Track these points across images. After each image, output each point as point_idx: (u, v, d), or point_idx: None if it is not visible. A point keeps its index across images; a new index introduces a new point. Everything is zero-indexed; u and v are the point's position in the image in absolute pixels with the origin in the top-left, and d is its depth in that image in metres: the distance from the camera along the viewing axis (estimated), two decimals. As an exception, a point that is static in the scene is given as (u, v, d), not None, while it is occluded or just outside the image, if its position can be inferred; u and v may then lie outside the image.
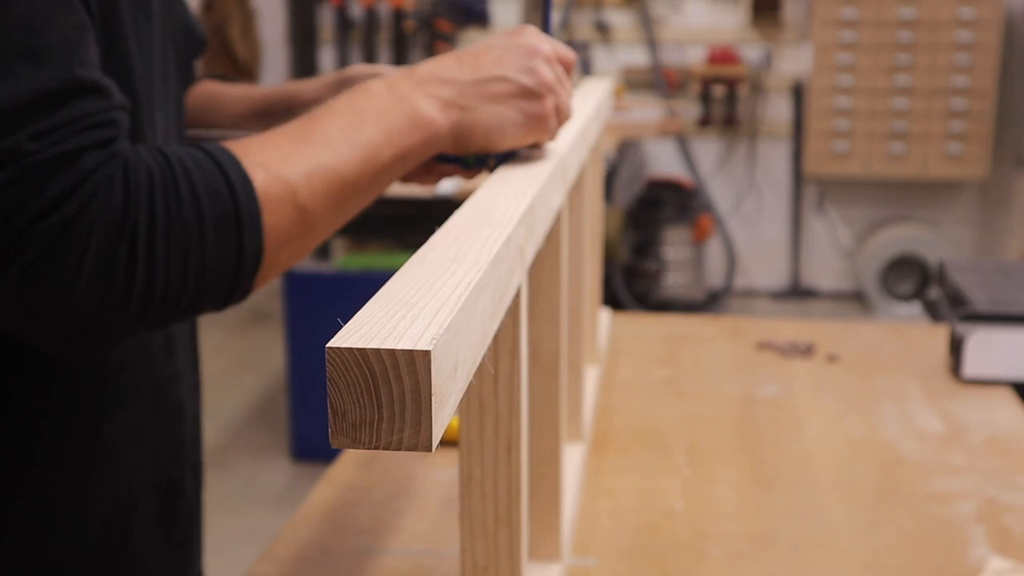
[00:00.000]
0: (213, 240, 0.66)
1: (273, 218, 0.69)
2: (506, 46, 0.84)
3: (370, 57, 5.17)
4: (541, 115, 0.83)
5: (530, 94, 0.82)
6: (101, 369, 0.80)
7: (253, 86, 1.06)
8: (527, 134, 0.84)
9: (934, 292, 1.91)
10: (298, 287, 3.36)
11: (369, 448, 0.47)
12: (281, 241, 0.70)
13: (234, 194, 0.67)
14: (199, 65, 1.04)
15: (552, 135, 0.87)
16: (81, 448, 0.79)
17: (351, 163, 0.74)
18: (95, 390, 0.80)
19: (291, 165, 0.71)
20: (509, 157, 0.87)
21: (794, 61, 5.14)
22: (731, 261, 5.21)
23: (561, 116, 0.87)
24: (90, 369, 0.79)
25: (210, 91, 1.04)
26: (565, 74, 0.87)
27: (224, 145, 0.69)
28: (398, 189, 0.95)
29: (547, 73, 0.83)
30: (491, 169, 0.88)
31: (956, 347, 1.46)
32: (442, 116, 0.80)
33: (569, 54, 0.90)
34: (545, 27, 0.95)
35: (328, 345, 0.46)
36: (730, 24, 5.16)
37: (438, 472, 1.20)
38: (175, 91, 0.90)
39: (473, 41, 5.18)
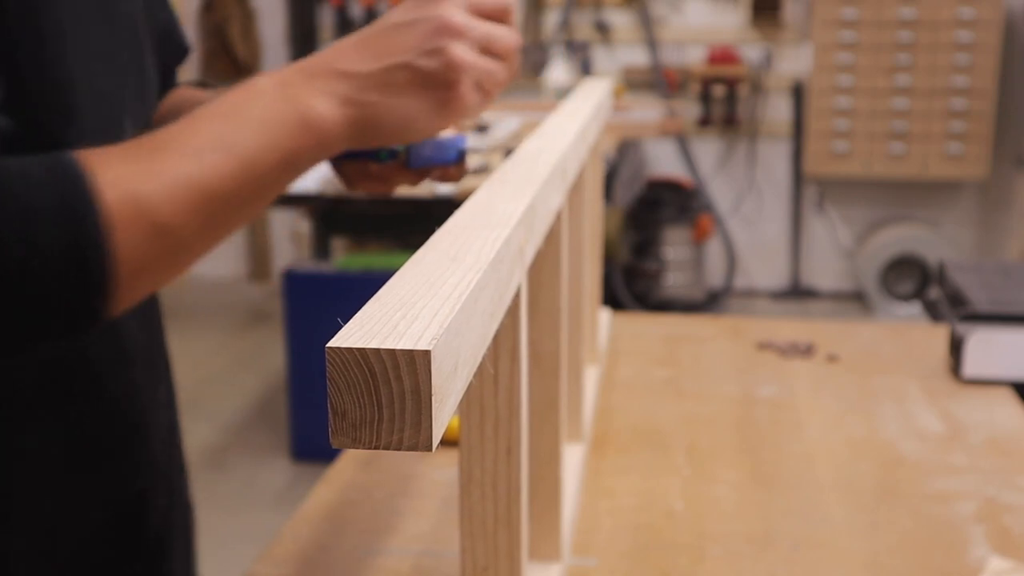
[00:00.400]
0: (48, 269, 0.61)
1: (127, 240, 0.63)
2: (412, 20, 0.75)
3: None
4: (454, 100, 0.75)
5: (438, 80, 0.74)
6: (33, 383, 0.77)
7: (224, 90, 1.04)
8: (442, 122, 0.76)
9: (934, 292, 1.91)
10: (298, 287, 3.36)
11: (369, 448, 0.47)
12: (139, 265, 0.65)
13: (76, 217, 0.62)
14: (195, 68, 1.01)
15: (481, 109, 0.79)
16: (20, 465, 0.76)
17: (225, 174, 0.68)
18: (31, 403, 0.77)
19: (151, 181, 0.65)
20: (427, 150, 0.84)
21: (794, 61, 5.14)
22: (731, 261, 5.22)
23: (489, 88, 0.77)
24: (23, 382, 0.76)
25: (183, 96, 1.00)
26: (496, 30, 0.77)
27: (80, 158, 0.64)
28: (398, 188, 0.94)
29: (457, 52, 0.74)
30: (407, 164, 0.85)
31: (956, 347, 1.46)
32: (338, 114, 0.73)
33: (496, 3, 0.79)
34: None
35: (328, 345, 0.46)
36: (730, 24, 5.16)
37: (438, 472, 1.20)
38: (153, 99, 0.87)
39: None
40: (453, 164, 0.86)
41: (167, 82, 0.98)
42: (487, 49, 0.77)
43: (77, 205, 0.62)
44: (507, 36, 0.78)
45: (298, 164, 0.72)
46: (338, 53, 0.75)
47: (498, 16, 0.79)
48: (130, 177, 0.65)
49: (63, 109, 0.72)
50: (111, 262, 0.63)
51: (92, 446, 0.82)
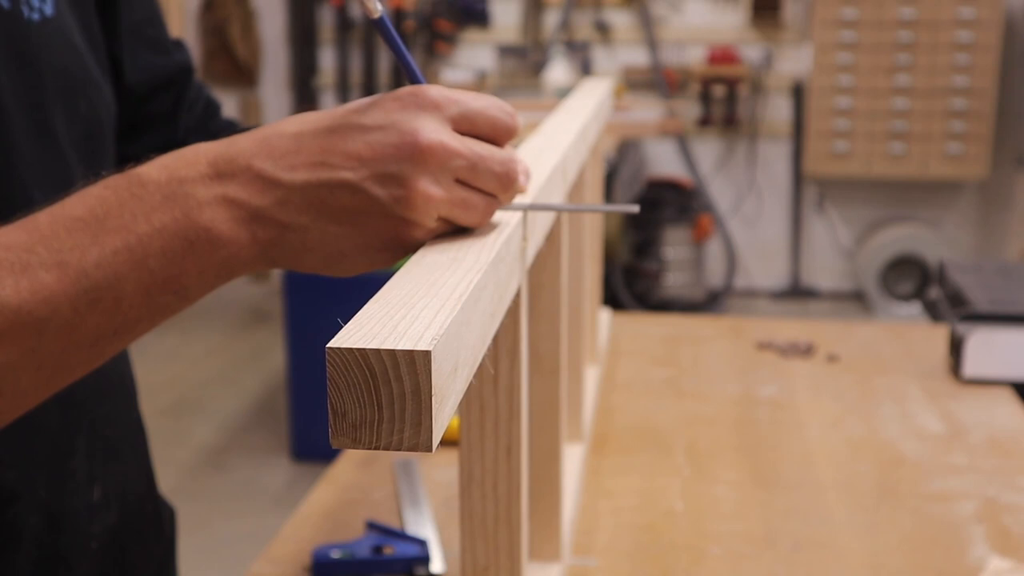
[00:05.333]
0: None
1: None
2: (379, 124, 0.57)
3: (370, 57, 5.17)
4: (404, 242, 0.58)
5: (388, 215, 0.56)
6: None
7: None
8: (383, 262, 0.59)
9: (934, 292, 1.91)
10: (298, 287, 3.36)
11: (369, 448, 0.47)
12: None
13: None
14: (195, 68, 0.96)
15: (478, 219, 0.60)
16: None
17: (58, 300, 0.51)
18: None
19: None
20: None
21: (794, 61, 5.14)
22: (731, 261, 5.21)
23: (459, 217, 0.59)
24: None
25: None
26: (489, 156, 0.59)
27: None
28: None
29: (422, 186, 0.56)
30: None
31: (956, 347, 1.46)
32: (243, 234, 0.55)
33: (498, 118, 0.61)
34: (410, 75, 0.65)
35: (328, 345, 0.46)
36: (730, 24, 5.16)
37: (438, 472, 1.20)
38: (92, 151, 0.74)
39: (473, 43, 5.19)
40: None
41: (177, 107, 0.91)
42: (471, 181, 0.59)
43: None
44: (502, 163, 0.60)
45: (184, 292, 0.56)
46: (267, 143, 0.57)
47: (496, 135, 0.61)
48: None
49: None
50: None
51: None
